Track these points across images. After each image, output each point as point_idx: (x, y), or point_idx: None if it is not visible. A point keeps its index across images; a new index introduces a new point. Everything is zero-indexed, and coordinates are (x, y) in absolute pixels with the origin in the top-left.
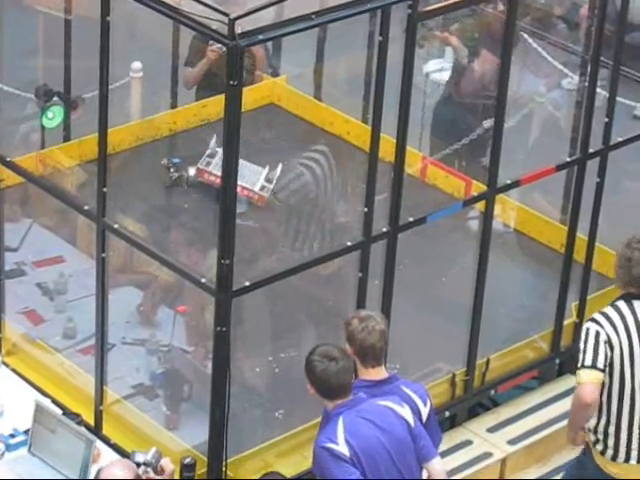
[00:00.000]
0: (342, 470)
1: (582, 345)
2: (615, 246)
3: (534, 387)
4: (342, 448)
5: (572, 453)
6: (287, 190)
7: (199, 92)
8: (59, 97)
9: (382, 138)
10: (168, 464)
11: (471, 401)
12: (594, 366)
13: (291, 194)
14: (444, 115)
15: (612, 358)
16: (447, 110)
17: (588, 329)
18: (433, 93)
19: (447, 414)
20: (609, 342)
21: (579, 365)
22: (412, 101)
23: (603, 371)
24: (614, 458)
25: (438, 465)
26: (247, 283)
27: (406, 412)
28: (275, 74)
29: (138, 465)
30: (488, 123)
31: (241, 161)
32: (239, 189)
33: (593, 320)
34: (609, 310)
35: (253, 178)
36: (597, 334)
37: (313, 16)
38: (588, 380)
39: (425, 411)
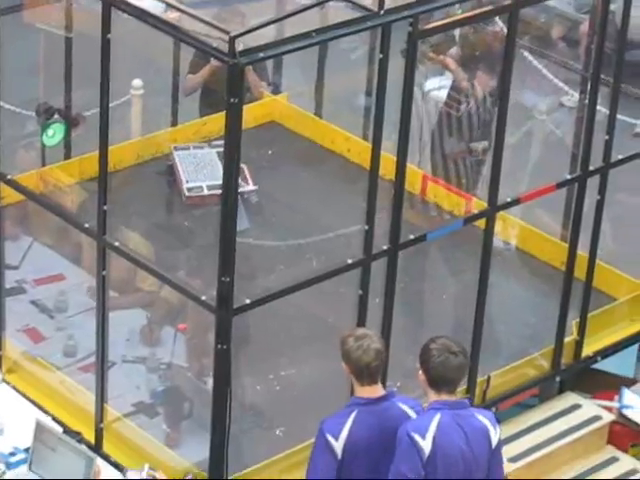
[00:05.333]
0: (410, 460)
1: None
2: (616, 263)
3: (535, 405)
4: (426, 444)
5: (573, 470)
6: None
7: (202, 110)
8: (59, 115)
9: (382, 156)
10: (162, 476)
11: None
12: None
13: None
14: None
15: None
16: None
17: None
18: (432, 111)
19: None
20: None
21: None
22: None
23: None
24: None
25: None
26: (247, 301)
27: (495, 435)
28: (276, 92)
29: None
30: (480, 145)
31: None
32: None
33: None
34: None
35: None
36: None
37: (314, 34)
38: None
39: None
